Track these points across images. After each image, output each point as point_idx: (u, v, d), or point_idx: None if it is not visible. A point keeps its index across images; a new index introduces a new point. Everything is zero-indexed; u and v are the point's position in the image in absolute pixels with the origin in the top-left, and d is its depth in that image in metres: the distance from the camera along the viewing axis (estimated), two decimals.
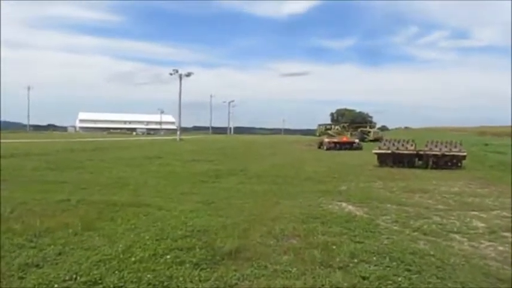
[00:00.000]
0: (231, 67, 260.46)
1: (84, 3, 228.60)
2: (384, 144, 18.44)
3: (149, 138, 72.23)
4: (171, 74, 59.49)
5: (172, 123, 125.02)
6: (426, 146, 17.95)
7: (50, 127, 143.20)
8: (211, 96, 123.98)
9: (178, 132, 57.75)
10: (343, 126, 60.96)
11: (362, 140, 53.86)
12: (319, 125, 65.75)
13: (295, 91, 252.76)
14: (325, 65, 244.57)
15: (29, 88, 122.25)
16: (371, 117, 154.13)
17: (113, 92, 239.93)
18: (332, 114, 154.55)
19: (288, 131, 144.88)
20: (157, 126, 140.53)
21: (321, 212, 7.57)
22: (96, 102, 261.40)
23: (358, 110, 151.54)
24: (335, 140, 36.50)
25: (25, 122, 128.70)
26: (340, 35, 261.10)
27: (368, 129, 60.88)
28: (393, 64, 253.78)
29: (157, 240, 5.36)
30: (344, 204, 8.53)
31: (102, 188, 9.99)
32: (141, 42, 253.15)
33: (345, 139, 36.69)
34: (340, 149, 33.75)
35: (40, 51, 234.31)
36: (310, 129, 59.49)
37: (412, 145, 18.07)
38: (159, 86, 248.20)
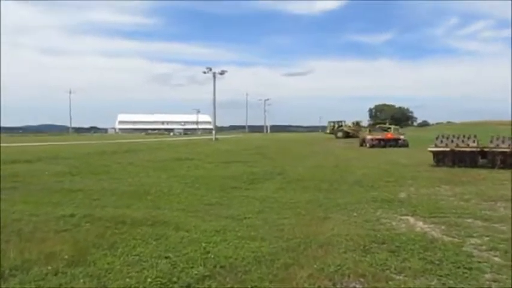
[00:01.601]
0: (266, 65, 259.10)
1: (122, 8, 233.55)
2: (441, 141, 16.22)
3: (185, 138, 71.80)
4: (204, 73, 58.54)
5: (209, 122, 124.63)
6: (491, 142, 15.60)
7: (92, 129, 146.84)
8: (246, 94, 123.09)
9: (213, 132, 56.69)
10: (357, 123, 59.20)
11: None
12: (330, 122, 64.17)
13: (331, 88, 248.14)
14: (362, 61, 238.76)
15: (70, 92, 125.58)
16: (411, 112, 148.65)
17: (151, 94, 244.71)
18: (370, 110, 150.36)
19: (325, 129, 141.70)
20: (194, 126, 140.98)
21: (385, 232, 5.78)
22: (135, 104, 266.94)
23: (397, 105, 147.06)
24: (379, 136, 34.12)
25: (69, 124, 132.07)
26: (377, 30, 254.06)
27: (387, 125, 58.04)
28: (433, 57, 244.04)
29: (162, 285, 3.79)
30: (411, 220, 6.69)
31: (118, 198, 8.59)
32: (177, 44, 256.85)
33: (389, 135, 34.26)
34: (385, 146, 31.38)
35: (81, 56, 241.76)
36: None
37: (474, 141, 15.77)
38: (195, 86, 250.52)
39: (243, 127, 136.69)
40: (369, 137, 34.17)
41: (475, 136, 16.14)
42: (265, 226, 6.10)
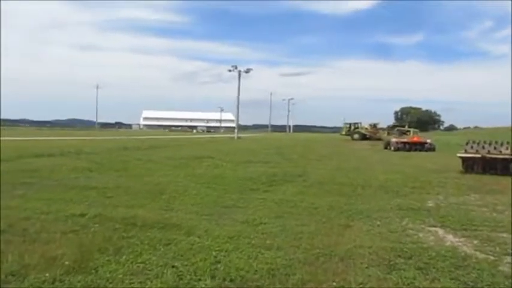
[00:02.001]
0: (292, 65, 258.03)
1: (151, 6, 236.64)
2: (471, 147, 15.45)
3: (208, 136, 72.02)
4: (229, 71, 58.59)
5: (232, 121, 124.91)
6: None
7: (117, 125, 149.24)
8: (271, 93, 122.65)
9: (235, 130, 56.53)
10: (374, 125, 57.94)
11: None
12: (345, 123, 62.93)
13: (356, 89, 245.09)
14: (389, 62, 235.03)
15: (97, 87, 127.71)
16: (439, 115, 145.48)
17: (177, 91, 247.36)
18: (396, 113, 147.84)
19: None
20: (217, 124, 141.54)
21: (412, 245, 5.32)
22: (161, 101, 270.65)
23: (424, 108, 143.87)
24: (404, 139, 33.23)
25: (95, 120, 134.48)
26: (406, 31, 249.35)
27: (407, 128, 56.62)
28: (463, 60, 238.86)
29: None
30: (440, 232, 6.19)
31: (132, 197, 8.35)
32: (204, 42, 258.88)
33: (415, 139, 33.28)
34: (410, 149, 30.46)
35: (109, 52, 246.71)
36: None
37: (507, 148, 14.96)
38: (220, 84, 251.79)
39: (266, 126, 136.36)
40: (394, 139, 33.29)
41: (507, 143, 15.31)
42: (282, 234, 5.71)
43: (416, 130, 57.62)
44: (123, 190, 9.16)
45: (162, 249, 4.84)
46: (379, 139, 52.23)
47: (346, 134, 58.64)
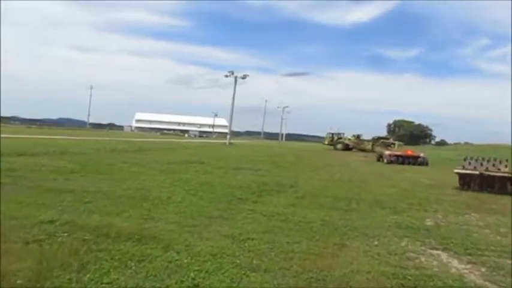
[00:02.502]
0: (288, 73, 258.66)
1: (150, 8, 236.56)
2: (469, 163, 15.03)
3: (200, 140, 71.28)
4: (226, 76, 57.95)
5: (225, 126, 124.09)
6: None
7: (109, 126, 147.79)
8: (265, 101, 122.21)
9: (228, 136, 55.94)
10: (357, 136, 58.75)
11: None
12: (328, 133, 63.82)
13: (351, 100, 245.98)
14: (385, 75, 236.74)
15: (91, 87, 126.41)
16: (431, 130, 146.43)
17: (172, 95, 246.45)
18: (389, 125, 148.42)
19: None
20: (210, 129, 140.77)
21: (414, 272, 4.78)
22: (155, 104, 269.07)
23: (416, 122, 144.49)
24: (397, 153, 32.94)
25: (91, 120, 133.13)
26: (404, 45, 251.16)
27: (391, 141, 57.49)
28: (458, 76, 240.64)
29: None
30: (443, 256, 5.67)
31: (111, 202, 7.74)
32: (202, 47, 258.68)
33: (409, 152, 32.91)
34: (403, 163, 30.12)
35: (106, 54, 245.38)
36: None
37: (506, 166, 14.55)
38: (217, 90, 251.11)
39: (258, 133, 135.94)
40: (387, 152, 33.00)
41: (506, 160, 14.91)
42: (271, 252, 5.15)
43: (400, 143, 58.55)
44: (103, 195, 8.54)
45: (133, 267, 4.25)
46: (363, 150, 53.35)
47: (329, 144, 59.52)
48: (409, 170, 23.65)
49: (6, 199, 7.45)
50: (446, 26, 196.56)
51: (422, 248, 6.04)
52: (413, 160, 30.86)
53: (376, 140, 56.64)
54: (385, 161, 30.90)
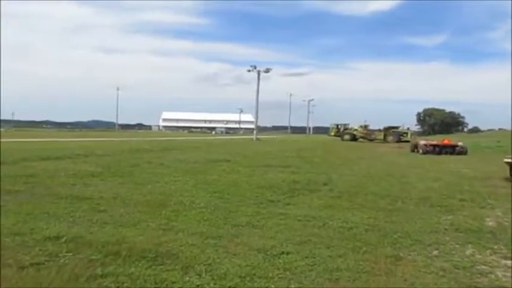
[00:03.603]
0: (313, 67, 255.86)
1: (173, 8, 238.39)
2: None
3: (226, 137, 70.88)
4: (249, 71, 57.31)
5: (251, 122, 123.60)
6: None
7: (137, 126, 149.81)
8: (290, 95, 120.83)
9: (254, 132, 55.12)
10: (365, 127, 58.18)
11: (399, 141, 50.64)
12: (333, 124, 63.69)
13: (378, 90, 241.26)
14: (412, 63, 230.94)
15: (118, 89, 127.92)
16: (463, 117, 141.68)
17: (197, 93, 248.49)
18: (419, 114, 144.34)
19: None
20: (237, 126, 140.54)
21: None
22: (181, 103, 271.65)
23: (447, 110, 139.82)
24: (433, 142, 31.20)
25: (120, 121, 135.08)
26: (430, 32, 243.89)
27: (403, 130, 56.77)
28: (487, 61, 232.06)
29: None
30: None
31: (127, 211, 6.98)
32: (225, 44, 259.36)
33: (446, 141, 31.23)
34: (440, 153, 28.51)
35: (131, 54, 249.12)
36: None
37: None
38: (241, 86, 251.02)
39: (285, 128, 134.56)
40: (422, 142, 31.35)
41: None
42: (312, 271, 4.24)
43: (413, 131, 57.15)
44: (120, 201, 7.81)
45: None
46: (372, 140, 53.56)
47: (335, 135, 59.09)
48: (448, 161, 22.18)
49: (17, 210, 6.84)
50: (473, 10, 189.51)
51: (493, 257, 5.00)
52: (451, 149, 29.19)
53: (387, 129, 55.88)
54: (420, 151, 29.36)
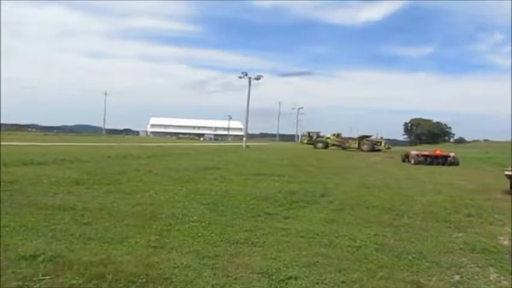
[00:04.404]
0: (301, 75, 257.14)
1: (162, 14, 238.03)
2: None
3: (215, 144, 70.13)
4: (240, 78, 56.89)
5: (240, 129, 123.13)
6: None
7: (124, 131, 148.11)
8: (279, 103, 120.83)
9: (244, 139, 54.57)
10: (338, 135, 59.65)
11: (372, 150, 53.21)
12: (304, 132, 66.77)
13: (365, 99, 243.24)
14: (399, 74, 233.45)
15: (105, 94, 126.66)
16: (449, 127, 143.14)
17: (186, 99, 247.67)
18: (406, 124, 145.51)
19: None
20: (225, 132, 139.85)
21: None
22: (169, 109, 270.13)
23: (435, 120, 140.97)
24: (425, 152, 31.02)
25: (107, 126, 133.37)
26: (417, 43, 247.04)
27: (377, 139, 59.06)
28: (474, 73, 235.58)
29: None
30: None
31: (114, 224, 6.38)
32: (214, 51, 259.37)
33: (438, 152, 31.05)
34: (432, 163, 28.32)
35: (119, 60, 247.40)
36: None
37: None
38: (230, 93, 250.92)
39: (273, 135, 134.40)
40: (414, 152, 31.16)
41: None
42: None
43: (386, 141, 59.02)
44: (107, 213, 7.19)
45: None
46: (345, 148, 55.27)
47: (307, 143, 60.50)
48: (442, 172, 21.90)
49: None
50: (460, 22, 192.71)
51: None
52: (443, 160, 29.01)
53: (361, 138, 57.71)
54: (412, 161, 29.13)
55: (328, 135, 59.63)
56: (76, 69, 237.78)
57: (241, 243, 5.61)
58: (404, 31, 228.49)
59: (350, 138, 59.23)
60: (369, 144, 55.24)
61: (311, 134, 62.24)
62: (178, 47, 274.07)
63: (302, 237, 6.09)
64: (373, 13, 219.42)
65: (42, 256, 4.58)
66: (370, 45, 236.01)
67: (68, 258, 4.56)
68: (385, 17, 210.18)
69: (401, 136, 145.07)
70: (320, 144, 56.81)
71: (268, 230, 6.44)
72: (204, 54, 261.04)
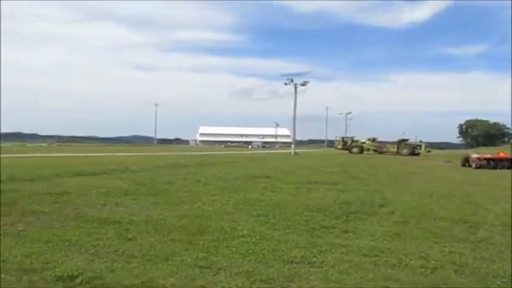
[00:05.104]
0: (348, 79, 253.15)
1: (208, 26, 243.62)
2: None
3: (264, 151, 69.84)
4: (285, 84, 56.34)
5: (288, 136, 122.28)
6: None
7: (175, 141, 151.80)
8: (326, 108, 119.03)
9: (292, 146, 53.82)
10: (373, 139, 58.15)
11: (412, 154, 51.52)
12: (337, 137, 63.85)
13: (417, 102, 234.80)
14: (451, 74, 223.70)
15: (156, 105, 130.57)
16: (508, 128, 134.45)
17: (233, 107, 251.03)
18: (461, 126, 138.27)
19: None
20: (273, 140, 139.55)
21: None
22: (218, 117, 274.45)
23: (491, 120, 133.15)
24: (487, 155, 28.95)
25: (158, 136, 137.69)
26: (469, 41, 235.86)
27: (416, 142, 56.81)
28: None
29: None
30: None
31: (159, 239, 5.97)
32: (260, 59, 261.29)
33: (502, 154, 28.90)
34: (495, 167, 26.32)
35: (168, 72, 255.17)
36: (437, 143, 57.06)
37: None
38: (276, 100, 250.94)
39: (321, 141, 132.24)
40: (475, 155, 29.19)
41: None
42: None
43: (426, 144, 56.38)
44: (152, 227, 6.83)
45: None
46: (383, 152, 54.10)
47: (342, 148, 59.21)
48: (508, 176, 20.12)
49: (36, 236, 5.99)
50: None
51: None
52: (508, 163, 26.87)
53: (400, 142, 56.02)
54: (473, 165, 27.27)
55: (363, 140, 58.77)
56: (128, 81, 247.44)
57: (296, 263, 5.00)
58: (452, 30, 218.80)
59: (387, 142, 57.59)
60: (408, 148, 53.86)
61: (345, 139, 61.36)
62: (225, 56, 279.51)
63: (365, 255, 5.38)
64: (418, 14, 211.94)
65: (81, 277, 4.23)
66: (417, 46, 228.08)
67: (106, 280, 4.18)
68: (431, 17, 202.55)
69: (456, 139, 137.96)
70: (355, 149, 55.88)
71: (325, 246, 5.78)
72: (250, 62, 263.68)
